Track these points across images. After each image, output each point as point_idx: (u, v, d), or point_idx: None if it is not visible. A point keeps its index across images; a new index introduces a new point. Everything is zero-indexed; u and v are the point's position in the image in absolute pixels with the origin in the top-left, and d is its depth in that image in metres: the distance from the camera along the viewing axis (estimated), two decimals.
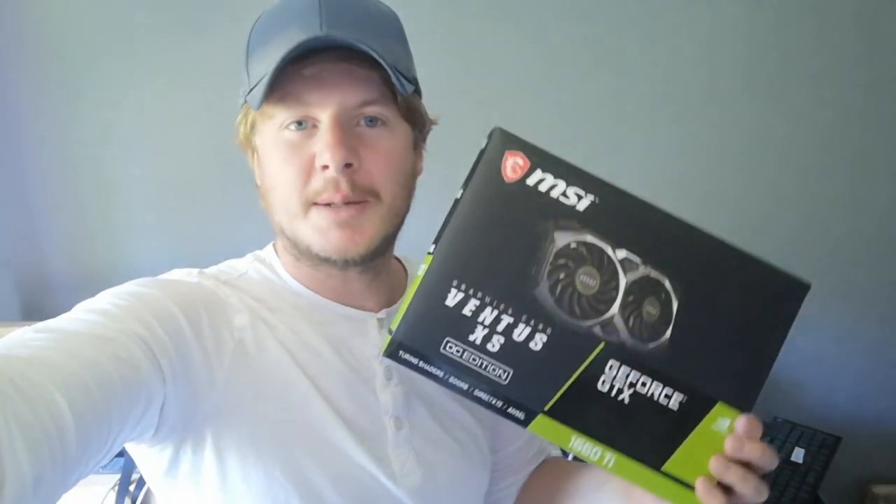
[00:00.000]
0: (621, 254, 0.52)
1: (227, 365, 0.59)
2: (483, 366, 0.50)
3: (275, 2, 0.63)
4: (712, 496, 0.52)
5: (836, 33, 1.58)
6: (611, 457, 0.52)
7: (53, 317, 0.52)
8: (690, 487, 0.53)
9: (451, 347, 0.50)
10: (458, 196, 0.52)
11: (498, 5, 1.60)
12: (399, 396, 0.66)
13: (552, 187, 0.51)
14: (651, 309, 0.52)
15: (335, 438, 0.61)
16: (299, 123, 0.60)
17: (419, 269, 0.52)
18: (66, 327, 0.50)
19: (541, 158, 0.51)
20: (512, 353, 0.51)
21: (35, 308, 1.70)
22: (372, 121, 0.61)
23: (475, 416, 0.72)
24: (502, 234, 0.51)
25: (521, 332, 0.51)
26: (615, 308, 0.52)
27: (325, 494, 0.59)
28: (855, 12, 1.57)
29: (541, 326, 0.51)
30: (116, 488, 1.23)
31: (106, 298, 0.56)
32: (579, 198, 0.51)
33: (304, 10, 0.59)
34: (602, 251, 0.52)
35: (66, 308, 0.54)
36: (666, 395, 0.52)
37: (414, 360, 0.51)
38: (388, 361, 0.66)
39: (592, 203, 0.52)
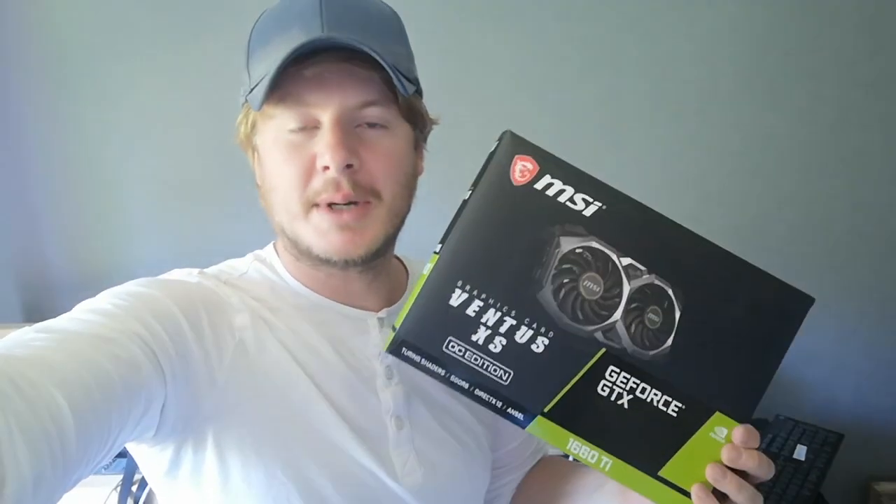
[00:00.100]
0: (626, 261, 0.52)
1: (227, 365, 0.59)
2: (484, 366, 0.51)
3: (275, 2, 0.63)
4: (707, 503, 0.52)
5: (835, 32, 1.58)
6: (608, 460, 0.53)
7: (54, 317, 0.52)
8: (686, 494, 0.53)
9: (453, 347, 0.51)
10: (466, 197, 0.52)
11: (498, 5, 1.60)
12: (400, 396, 0.66)
13: (560, 192, 0.52)
14: (654, 317, 0.52)
15: (336, 438, 0.61)
16: (301, 128, 0.60)
17: (425, 268, 0.52)
18: (67, 327, 0.50)
19: (550, 163, 0.52)
20: (513, 354, 0.51)
21: (36, 309, 1.71)
22: (373, 122, 0.61)
23: (476, 415, 0.72)
24: (508, 237, 0.51)
25: (523, 335, 0.51)
26: (618, 314, 0.52)
27: (325, 494, 0.59)
28: (855, 11, 1.57)
29: (543, 330, 0.51)
30: (119, 489, 1.23)
31: (106, 299, 0.55)
32: (587, 204, 0.52)
33: (306, 10, 0.59)
34: (607, 257, 0.52)
35: (68, 308, 0.54)
36: (665, 403, 0.53)
37: (416, 358, 0.51)
38: (389, 360, 0.66)
39: (599, 210, 0.52)
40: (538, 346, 0.51)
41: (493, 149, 0.53)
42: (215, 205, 1.67)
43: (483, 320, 0.51)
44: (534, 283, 0.51)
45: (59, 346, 0.47)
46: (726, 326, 0.53)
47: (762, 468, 0.52)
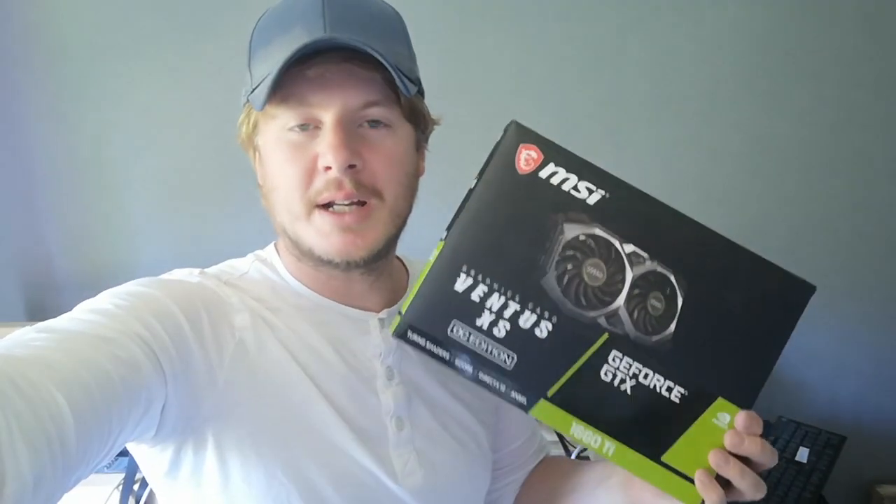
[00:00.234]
0: (629, 248, 0.53)
1: (227, 365, 0.59)
2: (488, 350, 0.52)
3: (278, 1, 0.63)
4: (710, 488, 0.52)
5: (837, 32, 1.57)
6: (610, 445, 0.53)
7: (57, 316, 0.52)
8: (689, 480, 0.53)
9: (457, 331, 0.52)
10: (472, 186, 0.53)
11: (499, 6, 1.60)
12: (400, 396, 0.66)
13: (564, 181, 0.53)
14: (656, 303, 0.53)
15: (336, 438, 0.61)
16: (302, 126, 0.60)
17: (431, 255, 0.53)
18: (67, 327, 0.50)
19: (554, 152, 0.53)
20: (517, 339, 0.52)
21: (39, 308, 1.71)
22: (375, 122, 0.61)
23: (476, 416, 0.72)
24: (513, 224, 0.52)
25: (527, 319, 0.52)
26: (620, 300, 0.53)
27: (325, 494, 0.59)
28: (857, 10, 1.56)
29: (546, 315, 0.52)
30: (120, 488, 1.23)
31: (106, 298, 0.56)
32: (590, 192, 0.53)
33: (308, 10, 0.59)
34: (610, 244, 0.53)
35: (71, 307, 0.55)
36: (667, 388, 0.53)
37: (421, 341, 0.52)
38: (390, 361, 0.66)
39: (603, 198, 0.53)
40: (542, 331, 0.52)
41: (499, 138, 0.54)
42: (218, 205, 1.68)
43: (487, 305, 0.52)
44: (538, 269, 0.52)
45: (59, 346, 0.47)
46: (728, 313, 0.54)
47: (765, 455, 0.52)
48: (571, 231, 0.52)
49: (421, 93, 0.66)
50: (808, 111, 1.61)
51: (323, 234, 0.60)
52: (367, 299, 0.68)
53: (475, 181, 0.54)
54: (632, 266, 0.53)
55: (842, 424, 1.60)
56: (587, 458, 1.23)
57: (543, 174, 0.53)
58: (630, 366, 0.53)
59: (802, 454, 1.44)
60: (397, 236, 0.66)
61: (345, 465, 0.61)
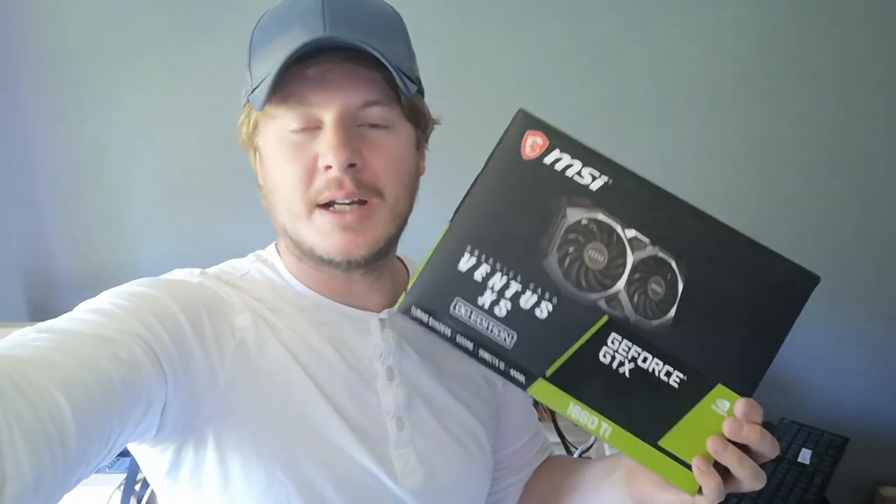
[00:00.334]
0: (630, 233, 0.54)
1: (228, 365, 0.59)
2: (489, 328, 0.53)
3: (278, 1, 0.63)
4: (708, 475, 0.52)
5: (840, 32, 1.57)
6: (607, 427, 0.53)
7: (59, 316, 0.52)
8: (686, 466, 0.53)
9: (460, 308, 0.53)
10: (480, 171, 0.55)
11: (500, 6, 1.60)
12: (401, 396, 0.66)
13: (568, 167, 0.54)
14: (657, 287, 0.54)
15: (336, 439, 0.61)
16: (304, 128, 0.60)
17: (438, 236, 0.54)
18: (67, 327, 0.50)
19: (560, 139, 0.54)
20: (518, 318, 0.53)
21: (41, 308, 1.71)
22: (375, 121, 0.61)
23: (477, 416, 0.72)
24: (517, 207, 0.54)
25: (527, 300, 0.53)
26: (621, 284, 0.53)
27: (326, 495, 0.59)
28: (860, 10, 1.56)
29: (547, 296, 0.53)
30: (122, 488, 1.23)
31: (107, 298, 0.56)
32: (593, 178, 0.54)
33: (308, 10, 0.59)
34: (612, 229, 0.54)
35: (72, 308, 0.55)
36: (666, 373, 0.54)
37: (424, 318, 0.53)
38: (390, 361, 0.66)
39: (606, 184, 0.54)
40: (542, 312, 0.53)
41: (507, 127, 0.55)
42: (219, 205, 1.68)
43: (490, 284, 0.53)
44: (540, 250, 0.53)
45: (59, 347, 0.47)
46: (730, 300, 0.54)
47: (765, 444, 0.52)
48: (574, 215, 0.53)
49: (421, 92, 0.66)
50: (810, 111, 1.60)
51: (324, 234, 0.60)
52: (367, 299, 0.68)
53: (482, 167, 0.55)
54: (633, 250, 0.53)
55: (844, 426, 1.59)
56: (589, 457, 1.22)
57: (548, 160, 0.54)
58: (629, 349, 0.53)
59: (805, 456, 1.43)
60: (398, 236, 0.66)
61: (345, 466, 0.61)
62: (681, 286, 0.53)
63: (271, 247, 0.71)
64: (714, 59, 1.60)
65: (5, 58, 1.61)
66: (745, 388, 0.53)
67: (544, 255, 0.53)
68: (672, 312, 0.53)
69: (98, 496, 1.23)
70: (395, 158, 0.62)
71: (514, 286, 0.53)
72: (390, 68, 0.57)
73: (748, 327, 0.54)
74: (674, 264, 0.54)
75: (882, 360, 1.68)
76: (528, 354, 0.53)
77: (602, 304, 0.53)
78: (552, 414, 1.28)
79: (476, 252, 0.53)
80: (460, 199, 0.55)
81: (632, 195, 0.54)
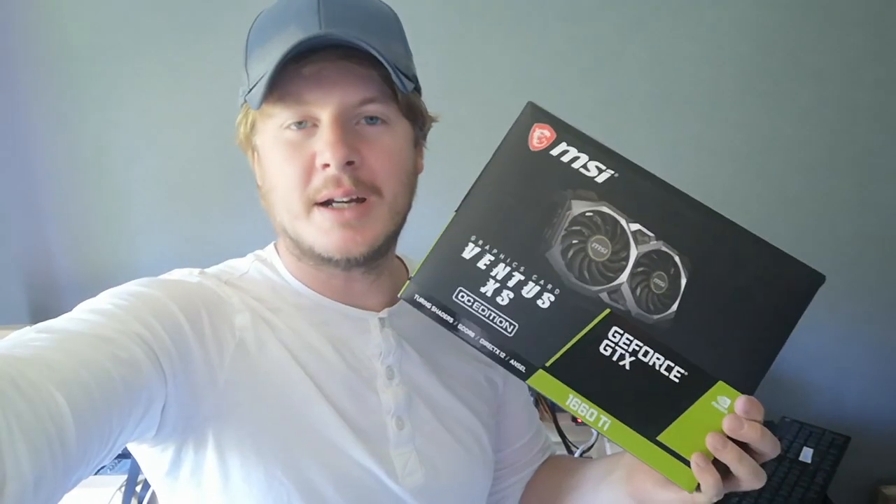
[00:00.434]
0: (635, 226, 0.54)
1: (227, 365, 0.59)
2: (491, 317, 0.53)
3: (274, 1, 0.63)
4: (707, 472, 0.51)
5: (841, 32, 1.57)
6: (606, 420, 0.53)
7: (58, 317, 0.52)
8: (685, 462, 0.53)
9: (462, 296, 0.54)
10: (487, 163, 0.56)
11: (499, 6, 1.60)
12: (401, 396, 0.66)
13: (574, 159, 0.54)
14: (660, 282, 0.54)
15: (336, 438, 0.61)
16: (299, 123, 0.60)
17: (444, 225, 0.55)
18: (67, 327, 0.50)
19: (567, 132, 0.55)
20: (520, 308, 0.53)
21: (42, 309, 1.71)
22: (372, 119, 0.61)
23: (478, 416, 0.72)
24: (522, 198, 0.54)
25: (530, 290, 0.53)
26: (624, 277, 0.54)
27: (326, 494, 0.59)
28: (860, 10, 1.56)
29: (549, 286, 0.53)
30: (123, 489, 1.23)
31: (107, 299, 0.56)
32: (599, 171, 0.54)
33: (303, 8, 0.59)
34: (616, 222, 0.54)
35: (72, 309, 0.55)
36: (667, 368, 0.53)
37: (427, 305, 0.54)
38: (390, 360, 0.66)
39: (612, 177, 0.54)
40: (544, 302, 0.53)
41: (515, 119, 0.56)
42: (218, 205, 1.68)
43: (493, 274, 0.54)
44: (543, 241, 0.54)
45: (59, 347, 0.47)
46: (733, 297, 0.54)
47: (765, 442, 0.51)
48: (579, 207, 0.54)
49: (418, 90, 0.66)
50: (810, 111, 1.60)
51: (323, 231, 0.60)
52: (367, 299, 0.68)
53: (490, 158, 0.56)
54: (637, 244, 0.54)
55: (846, 425, 1.59)
56: (590, 457, 1.22)
57: (555, 152, 0.54)
58: (630, 342, 0.53)
59: (806, 454, 1.43)
60: (397, 234, 0.66)
61: (345, 465, 0.61)
62: (684, 281, 0.53)
63: (270, 247, 0.71)
64: (714, 59, 1.60)
65: (5, 58, 1.61)
66: (746, 385, 0.53)
67: (548, 246, 0.54)
68: (674, 307, 0.53)
69: (99, 497, 1.23)
70: (393, 156, 0.62)
71: (517, 276, 0.53)
72: (386, 65, 0.57)
73: (751, 325, 0.54)
74: (677, 259, 0.54)
75: (883, 358, 1.68)
76: (528, 344, 0.53)
77: (604, 296, 0.53)
78: (553, 413, 1.28)
79: (480, 241, 0.54)
80: (465, 192, 0.55)
81: (637, 189, 0.54)
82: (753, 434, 0.51)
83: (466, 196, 0.55)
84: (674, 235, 0.54)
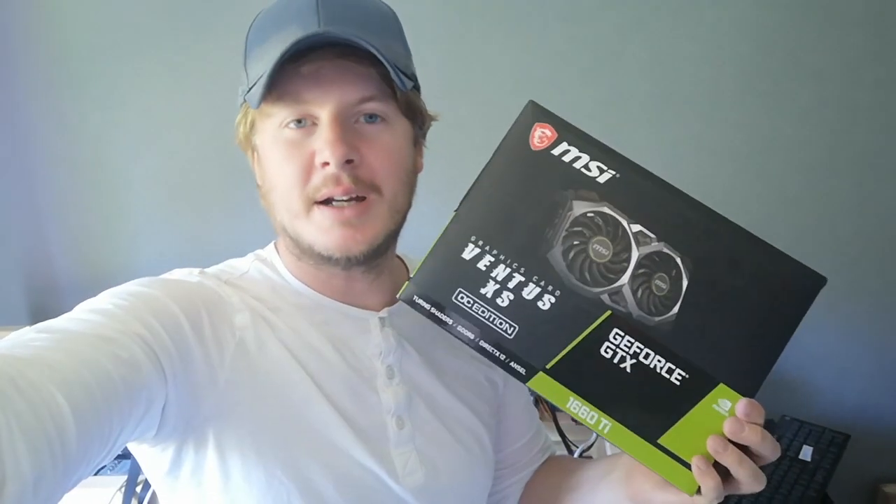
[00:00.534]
0: (636, 228, 0.54)
1: (228, 364, 0.59)
2: (491, 319, 0.53)
3: (273, 0, 0.63)
4: (707, 475, 0.51)
5: (840, 32, 1.57)
6: (606, 423, 0.53)
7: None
8: (685, 465, 0.53)
9: (462, 298, 0.53)
10: (487, 162, 0.55)
11: (499, 6, 1.60)
12: (401, 395, 0.66)
13: (576, 159, 0.54)
14: (661, 284, 0.53)
15: (336, 438, 0.61)
16: (298, 121, 0.60)
17: (444, 225, 0.54)
18: (67, 327, 0.50)
19: (568, 132, 0.54)
20: (520, 309, 0.53)
21: (42, 310, 1.71)
22: (371, 117, 0.61)
23: (478, 416, 0.72)
24: (523, 198, 0.54)
25: (530, 291, 0.53)
26: (625, 278, 0.53)
27: (326, 494, 0.59)
28: (860, 10, 1.56)
29: (550, 288, 0.53)
30: (123, 490, 1.23)
31: (107, 298, 0.56)
32: (601, 171, 0.54)
33: (302, 7, 0.59)
34: (618, 223, 0.53)
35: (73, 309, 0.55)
36: (668, 370, 0.53)
37: (426, 306, 0.53)
38: (390, 360, 0.66)
39: (613, 178, 0.54)
40: (544, 304, 0.53)
41: (516, 118, 0.55)
42: (219, 205, 1.68)
43: (493, 275, 0.53)
44: (544, 242, 0.53)
45: (59, 346, 0.47)
46: (734, 299, 0.53)
47: (765, 445, 0.51)
48: (580, 208, 0.53)
49: (417, 89, 0.66)
50: (810, 111, 1.60)
51: (323, 230, 0.60)
52: (367, 298, 0.68)
53: (491, 157, 0.55)
54: (638, 245, 0.53)
55: (846, 423, 1.59)
56: (590, 457, 1.22)
57: (556, 151, 0.54)
58: (631, 344, 0.53)
59: (806, 452, 1.43)
60: (397, 233, 0.66)
61: (345, 465, 0.61)
62: (685, 283, 0.53)
63: (270, 246, 0.71)
64: (714, 59, 1.60)
65: (5, 58, 1.61)
66: (747, 388, 0.53)
67: (549, 247, 0.53)
68: (675, 309, 0.53)
69: (99, 498, 1.23)
70: (393, 154, 0.62)
71: (518, 277, 0.53)
72: (385, 63, 0.57)
73: (752, 327, 0.53)
74: (679, 261, 0.53)
75: (883, 357, 1.68)
76: (528, 346, 0.53)
77: (605, 298, 0.53)
78: (553, 413, 1.28)
79: (480, 242, 0.53)
80: (465, 192, 0.55)
81: (639, 190, 0.54)
82: (754, 437, 0.51)
83: (466, 195, 0.55)
84: (675, 237, 0.53)
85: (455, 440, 0.69)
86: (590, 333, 0.53)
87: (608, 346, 0.53)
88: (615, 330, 0.53)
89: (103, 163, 1.67)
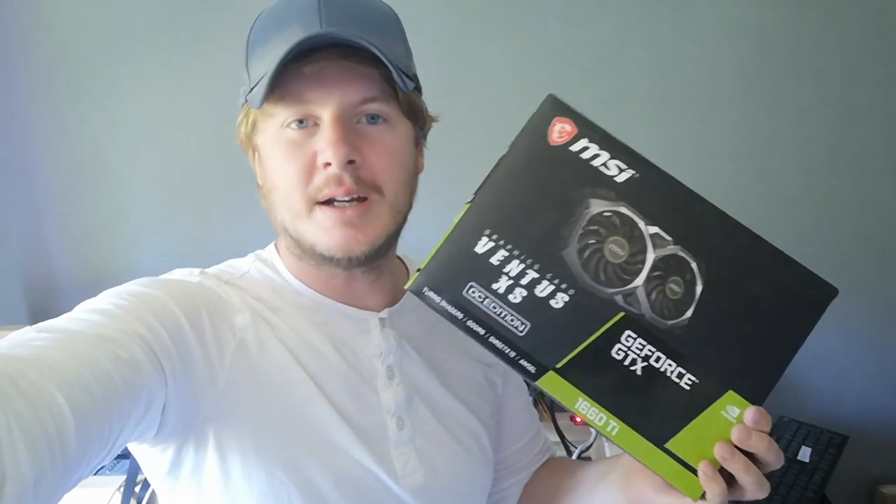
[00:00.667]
0: (653, 229, 0.53)
1: (228, 365, 0.59)
2: (502, 315, 0.52)
3: (274, 1, 0.63)
4: (714, 481, 0.51)
5: (840, 31, 1.57)
6: (615, 425, 0.53)
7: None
8: (692, 470, 0.53)
9: (473, 292, 0.51)
10: (503, 154, 0.54)
11: (499, 6, 1.60)
12: (401, 396, 0.66)
13: (595, 157, 0.53)
14: (675, 287, 0.53)
15: (337, 438, 0.61)
16: (300, 122, 0.60)
17: (455, 217, 0.53)
18: (68, 327, 0.50)
19: (588, 128, 0.53)
20: (532, 307, 0.52)
21: (41, 311, 1.71)
22: (373, 118, 0.61)
23: (478, 416, 0.72)
24: (540, 193, 0.52)
25: (543, 289, 0.52)
26: (639, 280, 0.52)
27: (326, 494, 0.59)
28: (860, 10, 1.56)
29: (564, 286, 0.52)
30: (122, 490, 1.23)
31: (107, 298, 0.56)
32: (620, 170, 0.53)
33: (304, 8, 0.59)
34: (634, 223, 0.53)
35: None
36: (678, 374, 0.53)
37: (436, 299, 0.52)
38: (390, 360, 0.66)
39: (632, 177, 0.53)
40: (557, 302, 0.52)
41: (534, 111, 0.54)
42: (220, 205, 1.68)
43: (506, 270, 0.51)
44: (560, 239, 0.52)
45: (59, 346, 0.47)
46: (747, 306, 0.53)
47: (771, 453, 0.51)
48: (597, 206, 0.52)
49: (418, 89, 0.66)
50: (810, 111, 1.60)
51: (325, 229, 0.60)
52: (367, 299, 0.68)
53: (507, 150, 0.54)
54: (654, 247, 0.52)
55: (845, 424, 1.59)
56: (589, 458, 1.23)
57: (575, 148, 0.53)
58: (643, 347, 0.52)
59: (804, 454, 1.43)
60: (397, 233, 0.66)
61: (345, 465, 0.61)
62: (699, 288, 0.53)
63: (271, 246, 0.71)
64: (714, 59, 1.60)
65: (5, 58, 1.61)
66: (756, 395, 0.53)
67: (564, 245, 0.52)
68: (688, 314, 0.52)
69: (98, 497, 1.23)
70: (394, 155, 0.62)
71: (531, 274, 0.52)
72: (388, 63, 0.57)
73: (763, 335, 0.53)
74: (694, 265, 0.53)
75: (882, 358, 1.68)
76: (539, 345, 0.52)
77: (619, 299, 0.52)
78: (552, 413, 1.28)
79: (494, 236, 0.52)
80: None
81: (657, 191, 0.53)
82: (761, 445, 0.51)
83: (481, 187, 0.53)
84: (691, 241, 0.53)
85: (454, 440, 0.69)
86: (602, 334, 0.52)
87: (620, 348, 0.52)
88: (628, 332, 0.52)
89: (103, 163, 1.67)
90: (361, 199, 0.60)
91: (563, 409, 1.34)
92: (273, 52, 0.57)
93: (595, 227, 0.52)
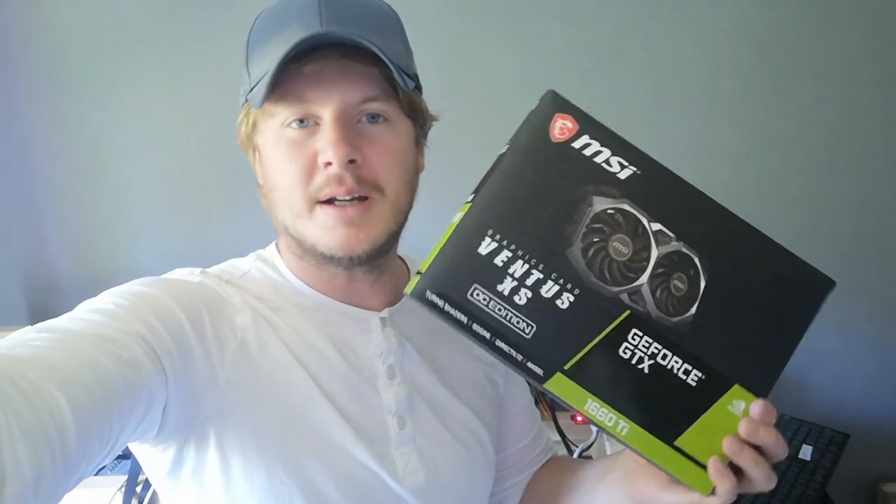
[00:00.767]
0: (656, 226, 0.53)
1: (229, 364, 0.59)
2: (507, 317, 0.50)
3: (274, 1, 0.63)
4: (724, 475, 0.51)
5: (840, 31, 1.57)
6: (625, 425, 0.52)
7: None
8: (701, 466, 0.52)
9: (477, 295, 0.50)
10: (503, 151, 0.53)
11: (499, 6, 1.60)
12: (402, 395, 0.66)
13: (597, 153, 0.52)
14: (679, 283, 0.53)
15: (338, 438, 0.61)
16: (301, 121, 0.60)
17: (455, 217, 0.52)
18: (68, 327, 0.50)
19: (590, 125, 0.53)
20: (538, 308, 0.51)
21: (41, 311, 1.71)
22: (374, 117, 0.61)
23: (479, 416, 0.72)
24: (542, 191, 0.52)
25: (549, 289, 0.51)
26: (644, 278, 0.52)
27: (327, 494, 0.59)
28: (859, 10, 1.56)
29: (569, 286, 0.51)
30: (123, 490, 1.23)
31: (108, 298, 0.56)
32: (622, 167, 0.52)
33: (304, 7, 0.59)
34: (638, 220, 0.52)
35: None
36: (685, 371, 0.53)
37: (439, 303, 0.50)
38: (391, 360, 0.66)
39: (634, 174, 0.52)
40: (563, 302, 0.51)
41: (534, 107, 0.53)
42: (220, 205, 1.68)
43: (510, 271, 0.50)
44: (564, 239, 0.51)
45: (60, 346, 0.47)
46: (750, 300, 0.53)
47: (777, 445, 0.52)
48: (600, 204, 0.52)
49: (419, 88, 0.66)
50: (809, 110, 1.60)
51: (326, 229, 0.60)
52: (368, 298, 0.68)
53: (506, 147, 0.53)
54: (658, 244, 0.52)
55: (846, 423, 1.59)
56: (590, 457, 1.23)
57: (577, 144, 0.52)
58: (649, 345, 0.52)
59: (806, 452, 1.43)
60: (398, 233, 0.66)
61: (346, 465, 0.61)
62: (703, 284, 0.53)
63: (272, 246, 0.71)
64: (714, 59, 1.60)
65: (5, 58, 1.61)
66: (761, 388, 0.53)
67: (568, 244, 0.51)
68: (693, 310, 0.52)
69: (99, 497, 1.23)
70: (395, 154, 0.62)
71: (536, 274, 0.50)
72: (388, 63, 0.57)
73: (766, 328, 0.53)
74: (697, 261, 0.53)
75: (883, 357, 1.68)
76: (546, 346, 0.51)
77: (625, 297, 0.52)
78: (552, 412, 1.28)
79: (497, 237, 0.50)
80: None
81: (660, 188, 0.53)
82: (768, 437, 0.51)
83: (480, 186, 0.52)
84: (694, 237, 0.53)
85: (456, 440, 0.69)
86: (609, 333, 0.52)
87: (626, 347, 0.52)
88: (634, 330, 0.52)
89: (103, 163, 1.67)
90: (362, 199, 0.60)
91: (563, 409, 1.34)
92: (273, 51, 0.57)
93: (599, 225, 0.51)
